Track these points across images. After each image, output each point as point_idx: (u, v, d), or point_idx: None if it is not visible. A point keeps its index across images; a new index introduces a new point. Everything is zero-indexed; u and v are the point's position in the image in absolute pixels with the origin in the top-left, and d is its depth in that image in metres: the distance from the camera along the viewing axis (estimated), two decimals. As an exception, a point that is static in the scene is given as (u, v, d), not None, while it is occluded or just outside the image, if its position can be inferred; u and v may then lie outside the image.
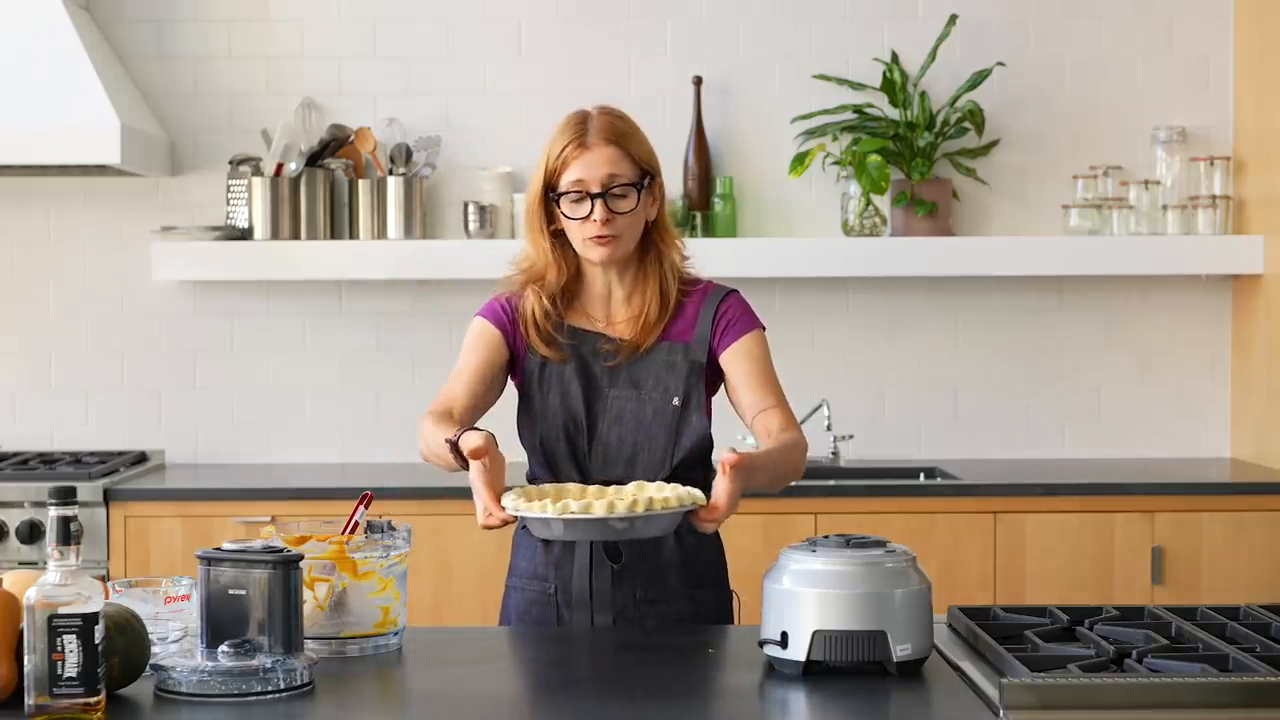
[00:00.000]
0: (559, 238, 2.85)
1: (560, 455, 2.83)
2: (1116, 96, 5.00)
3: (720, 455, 2.51)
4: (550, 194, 2.81)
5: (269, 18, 4.98)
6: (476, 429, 2.61)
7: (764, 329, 2.89)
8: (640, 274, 2.86)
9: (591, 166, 2.77)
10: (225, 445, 5.00)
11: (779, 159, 4.96)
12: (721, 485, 2.49)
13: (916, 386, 5.02)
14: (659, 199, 2.86)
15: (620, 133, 2.80)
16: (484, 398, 2.85)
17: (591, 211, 2.76)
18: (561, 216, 2.81)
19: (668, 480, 2.80)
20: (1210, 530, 4.42)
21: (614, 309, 2.88)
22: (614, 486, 2.62)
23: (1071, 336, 5.02)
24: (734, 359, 2.84)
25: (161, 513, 4.43)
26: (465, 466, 2.58)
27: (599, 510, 2.39)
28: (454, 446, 2.59)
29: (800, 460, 2.76)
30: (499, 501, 2.49)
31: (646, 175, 2.82)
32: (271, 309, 4.99)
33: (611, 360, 2.83)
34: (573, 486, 2.62)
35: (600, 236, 2.77)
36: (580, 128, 2.80)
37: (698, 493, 2.50)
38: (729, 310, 2.87)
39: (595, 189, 2.76)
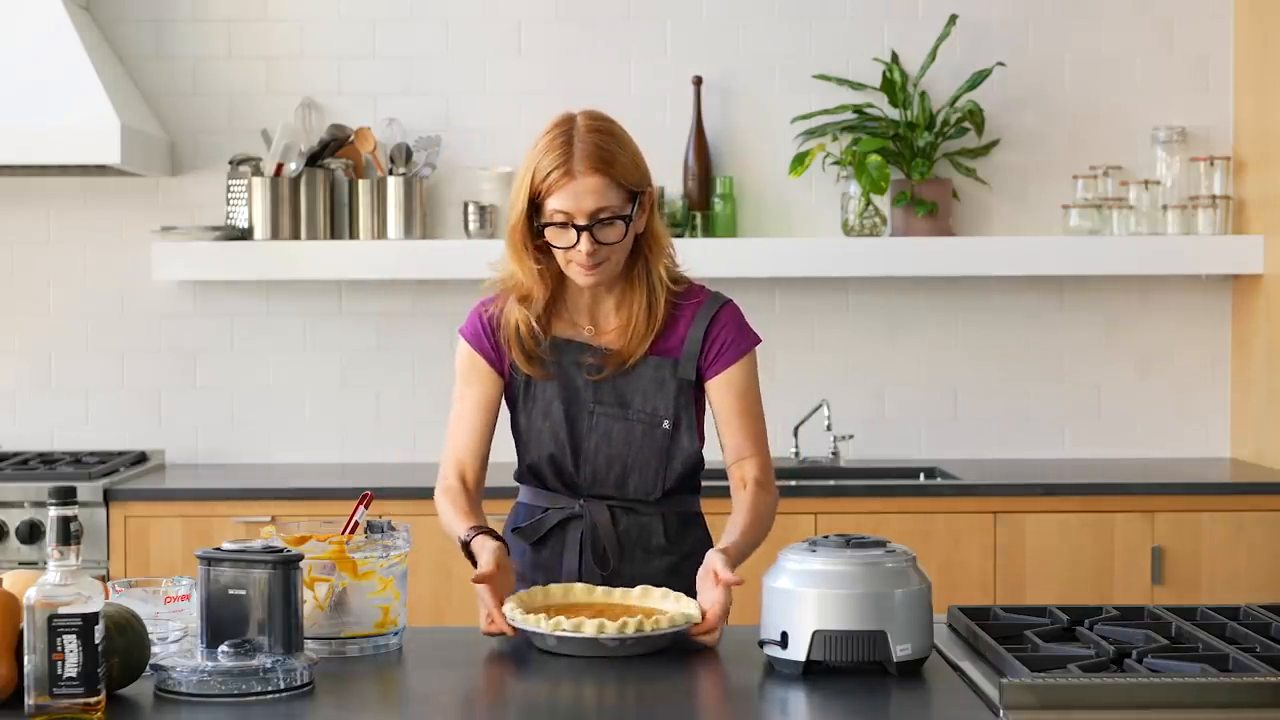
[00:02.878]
0: (544, 251, 2.77)
1: (547, 476, 2.83)
2: (1116, 96, 5.00)
3: (710, 561, 2.55)
4: (534, 216, 2.72)
5: (269, 18, 4.98)
6: (490, 533, 2.66)
7: (758, 343, 2.85)
8: (628, 283, 2.80)
9: (577, 198, 2.67)
10: (225, 445, 5.00)
11: (779, 159, 4.96)
12: (715, 596, 2.52)
13: (916, 386, 5.02)
14: (649, 209, 2.77)
15: (607, 157, 2.68)
16: (489, 435, 2.87)
17: (577, 242, 2.69)
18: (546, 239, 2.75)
19: (663, 495, 2.81)
20: (1210, 530, 4.42)
21: (602, 318, 2.82)
22: (620, 590, 2.62)
23: (1071, 336, 5.02)
24: (721, 390, 2.81)
25: (161, 513, 4.43)
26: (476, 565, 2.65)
27: (589, 630, 2.41)
28: (466, 548, 2.66)
29: (772, 520, 2.80)
30: (502, 609, 2.53)
31: (636, 196, 2.72)
32: (271, 309, 4.99)
33: (596, 374, 2.79)
34: (579, 588, 2.63)
35: (586, 265, 2.71)
36: (565, 150, 2.67)
37: (693, 611, 2.50)
38: (722, 331, 2.81)
39: (581, 221, 2.67)
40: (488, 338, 2.83)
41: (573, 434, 2.79)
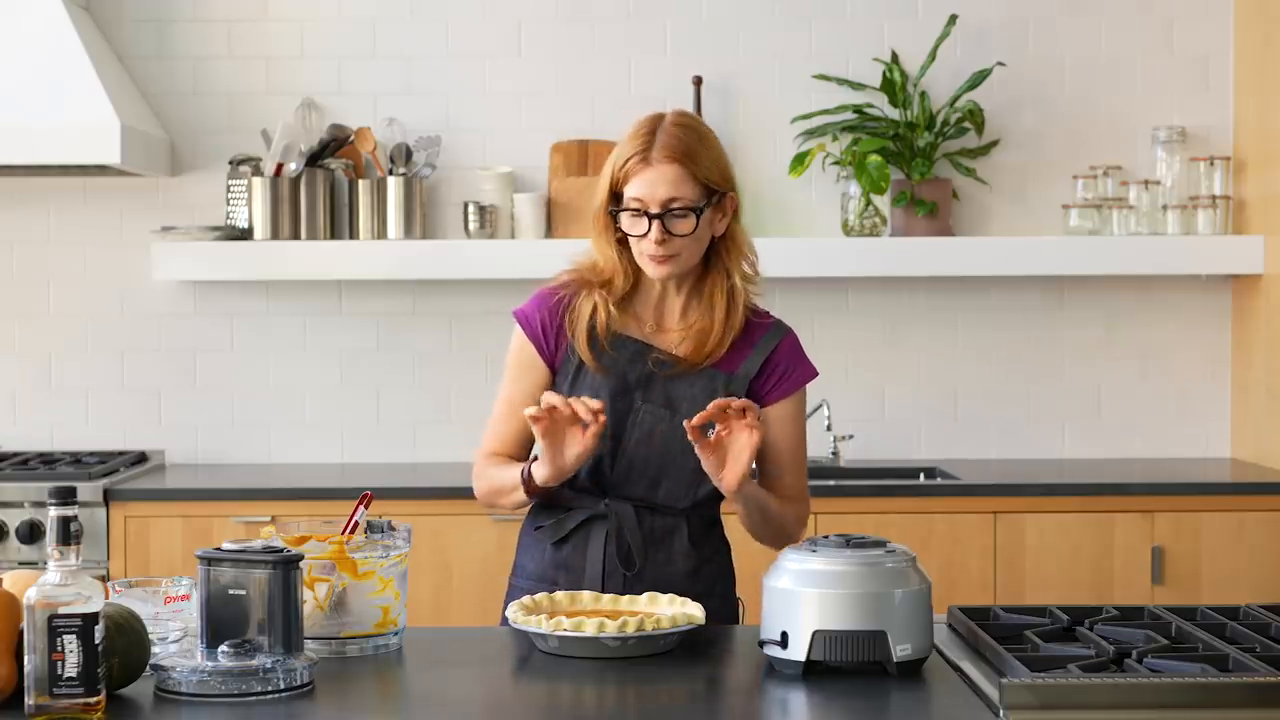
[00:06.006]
0: (625, 243, 2.79)
1: (579, 473, 2.78)
2: (1116, 96, 5.00)
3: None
4: (613, 204, 2.75)
5: (269, 18, 4.98)
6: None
7: (814, 376, 2.87)
8: (698, 288, 2.81)
9: (652, 185, 2.70)
10: (225, 445, 5.00)
11: (779, 159, 4.96)
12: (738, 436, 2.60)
13: (916, 386, 5.02)
14: (729, 213, 2.79)
15: (686, 150, 2.72)
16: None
17: (649, 230, 2.71)
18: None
19: (692, 506, 2.80)
20: (1210, 530, 4.42)
21: (666, 316, 2.83)
22: (627, 597, 2.61)
23: (1071, 336, 5.02)
24: (774, 419, 2.81)
25: (161, 513, 4.43)
26: (534, 492, 2.73)
27: (589, 630, 2.40)
28: (528, 481, 2.71)
29: (792, 523, 2.82)
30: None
31: (714, 194, 2.75)
32: (271, 309, 4.99)
33: (661, 369, 2.78)
34: (586, 595, 2.61)
35: (656, 255, 2.73)
36: (647, 139, 2.72)
37: (695, 613, 2.49)
38: (783, 361, 2.83)
39: (654, 209, 2.71)
40: (543, 324, 2.84)
41: (616, 427, 2.77)
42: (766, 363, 2.82)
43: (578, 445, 2.63)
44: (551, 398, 2.60)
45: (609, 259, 2.80)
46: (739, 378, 2.81)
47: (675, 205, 2.71)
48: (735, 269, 2.81)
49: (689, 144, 2.73)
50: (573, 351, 2.81)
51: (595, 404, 2.60)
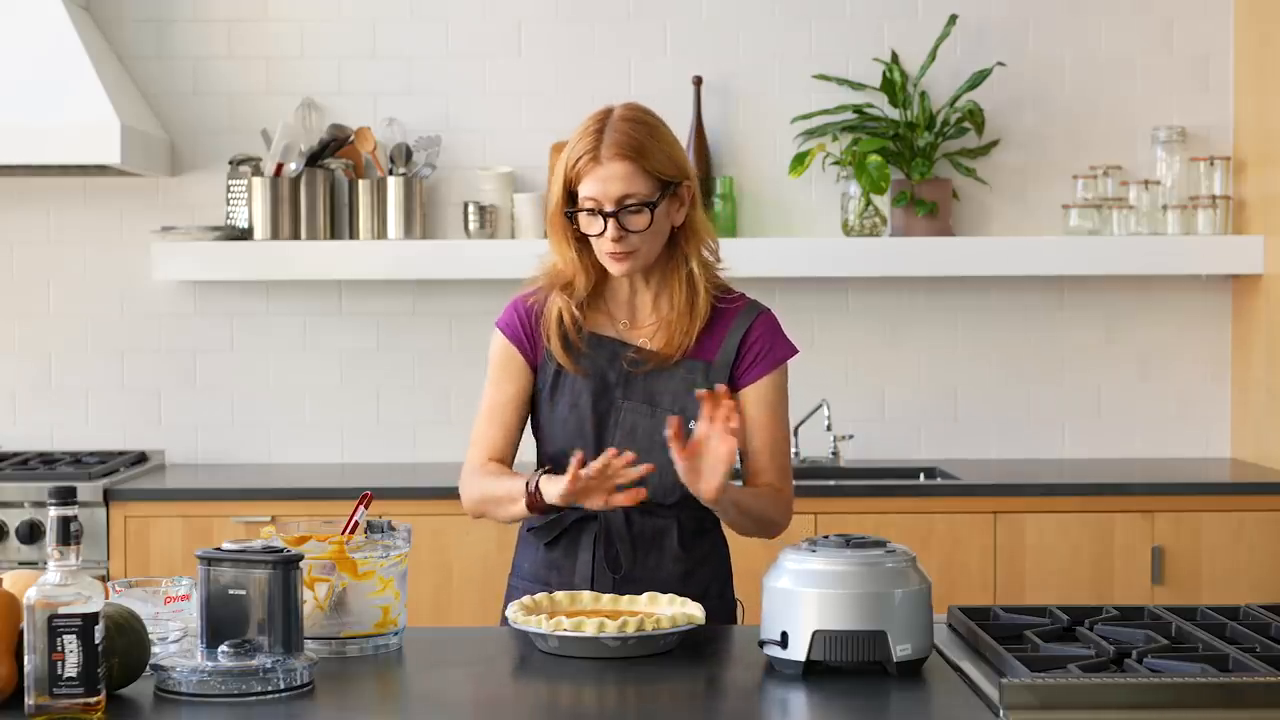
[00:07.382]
0: (584, 242, 2.79)
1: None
2: (1116, 96, 5.00)
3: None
4: (568, 204, 2.76)
5: (269, 18, 4.98)
6: (549, 474, 2.71)
7: (793, 354, 2.86)
8: (665, 278, 2.81)
9: (604, 183, 2.70)
10: (225, 445, 5.00)
11: (779, 159, 4.96)
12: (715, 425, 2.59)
13: (916, 386, 5.02)
14: (687, 202, 2.78)
15: (636, 145, 2.71)
16: (520, 431, 2.88)
17: (605, 229, 2.72)
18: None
19: (681, 499, 2.78)
20: (1210, 530, 4.42)
21: (638, 312, 2.83)
22: (627, 597, 2.60)
23: (1071, 336, 5.02)
24: (751, 401, 2.81)
25: (161, 513, 4.43)
26: (539, 509, 2.70)
27: (589, 630, 2.40)
28: (533, 496, 2.70)
29: (773, 510, 2.81)
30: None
31: (668, 185, 2.74)
32: (271, 309, 4.99)
33: (636, 367, 2.78)
34: (585, 595, 2.61)
35: (614, 253, 2.74)
36: (596, 137, 2.72)
37: (695, 613, 2.49)
38: (759, 340, 2.82)
39: (608, 207, 2.70)
40: (523, 328, 2.84)
41: (598, 427, 2.78)
42: (742, 343, 2.82)
43: (601, 499, 2.63)
44: (597, 464, 2.60)
45: (568, 260, 2.80)
46: (718, 365, 2.81)
47: (629, 202, 2.71)
48: (693, 256, 2.80)
49: (638, 139, 2.72)
50: (549, 355, 2.81)
51: (640, 466, 2.61)
